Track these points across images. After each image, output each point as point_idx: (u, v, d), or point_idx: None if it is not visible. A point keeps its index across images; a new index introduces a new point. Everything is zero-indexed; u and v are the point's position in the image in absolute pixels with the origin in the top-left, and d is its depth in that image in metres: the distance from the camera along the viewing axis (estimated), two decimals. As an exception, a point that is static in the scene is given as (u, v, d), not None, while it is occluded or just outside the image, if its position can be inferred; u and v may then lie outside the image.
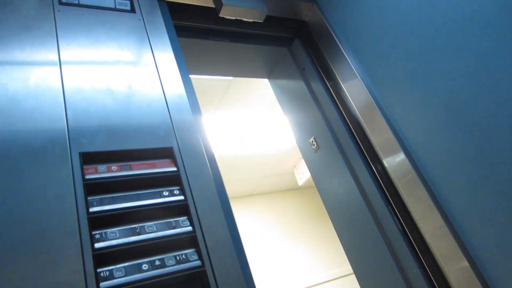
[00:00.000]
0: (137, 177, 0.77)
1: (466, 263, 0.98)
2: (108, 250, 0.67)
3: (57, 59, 0.85)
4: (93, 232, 0.68)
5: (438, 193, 1.06)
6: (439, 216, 1.04)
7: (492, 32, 0.93)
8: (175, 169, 0.82)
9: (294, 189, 5.64)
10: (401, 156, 1.15)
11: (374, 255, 1.25)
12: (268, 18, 1.48)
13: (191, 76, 1.09)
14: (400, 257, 1.16)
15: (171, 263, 0.71)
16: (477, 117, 0.96)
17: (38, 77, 0.80)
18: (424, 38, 1.09)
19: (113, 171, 0.76)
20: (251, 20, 1.43)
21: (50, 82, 0.81)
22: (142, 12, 1.07)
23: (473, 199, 0.98)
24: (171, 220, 0.76)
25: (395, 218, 1.18)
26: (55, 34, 0.89)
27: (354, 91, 1.33)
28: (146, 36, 1.03)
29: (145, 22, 1.06)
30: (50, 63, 0.84)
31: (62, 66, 0.85)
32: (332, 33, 1.41)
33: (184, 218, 0.77)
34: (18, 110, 0.73)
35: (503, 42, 0.91)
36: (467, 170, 0.99)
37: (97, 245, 0.66)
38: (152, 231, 0.73)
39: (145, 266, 0.68)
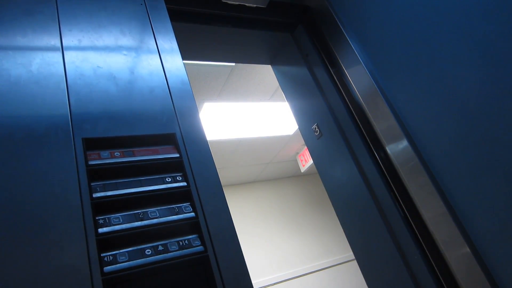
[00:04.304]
0: (140, 163, 0.78)
1: (467, 249, 0.99)
2: (111, 235, 0.67)
3: (59, 44, 0.85)
4: (97, 217, 0.68)
5: (441, 180, 1.06)
6: (441, 203, 1.04)
7: (497, 17, 0.91)
8: (177, 155, 0.82)
9: (297, 176, 5.66)
10: (404, 143, 1.15)
11: (376, 241, 1.26)
12: (271, 3, 1.46)
13: (194, 62, 1.09)
14: (401, 243, 1.17)
15: (174, 248, 0.72)
16: (481, 104, 0.95)
17: (41, 62, 0.80)
18: (428, 24, 1.07)
19: (116, 157, 0.76)
20: (254, 5, 1.41)
21: (53, 68, 0.81)
22: (144, -3, 1.06)
23: (475, 186, 0.98)
24: (174, 206, 0.77)
25: (397, 204, 1.19)
26: (57, 19, 0.89)
27: (358, 77, 1.32)
28: (148, 21, 1.02)
29: (147, 7, 1.05)
30: (52, 48, 0.84)
31: (65, 52, 0.84)
32: (336, 18, 1.39)
33: (187, 204, 0.78)
34: (20, 96, 0.73)
35: (508, 28, 0.89)
36: (469, 157, 0.98)
37: (100, 230, 0.67)
38: (155, 216, 0.74)
39: (148, 251, 0.69)
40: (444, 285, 1.06)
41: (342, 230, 1.43)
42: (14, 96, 0.73)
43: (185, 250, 0.72)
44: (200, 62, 2.48)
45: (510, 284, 0.92)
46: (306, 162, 4.68)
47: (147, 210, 0.74)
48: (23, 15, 0.85)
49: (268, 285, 4.40)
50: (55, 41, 0.85)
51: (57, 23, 0.88)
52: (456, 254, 1.03)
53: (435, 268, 1.08)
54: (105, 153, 0.75)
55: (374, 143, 1.28)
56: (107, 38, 0.92)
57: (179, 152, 0.83)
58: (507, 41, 0.89)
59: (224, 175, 4.67)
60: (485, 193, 0.96)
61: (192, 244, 0.73)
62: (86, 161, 0.72)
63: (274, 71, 1.80)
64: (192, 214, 0.76)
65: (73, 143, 0.73)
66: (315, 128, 1.51)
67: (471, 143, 0.98)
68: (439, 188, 1.06)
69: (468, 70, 0.98)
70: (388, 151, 1.23)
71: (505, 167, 0.91)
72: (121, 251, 0.68)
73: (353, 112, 1.35)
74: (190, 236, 0.75)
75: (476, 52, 0.96)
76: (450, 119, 1.03)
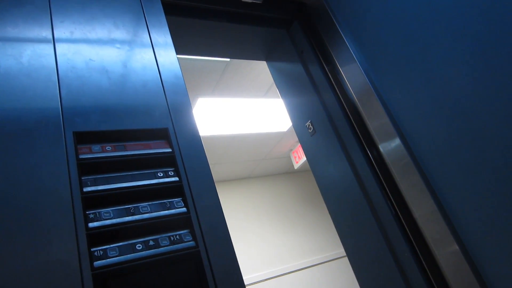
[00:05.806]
0: (131, 157, 0.77)
1: (456, 247, 0.99)
2: (102, 229, 0.67)
3: (50, 36, 0.84)
4: (87, 212, 0.68)
5: (432, 179, 1.07)
6: (432, 201, 1.05)
7: (490, 17, 0.92)
8: (170, 150, 0.82)
9: (290, 173, 5.67)
10: (396, 142, 1.15)
11: (367, 238, 1.26)
12: (266, -1, 1.46)
13: (188, 56, 1.08)
14: (392, 241, 1.18)
15: (165, 243, 0.71)
16: (473, 103, 0.96)
17: (31, 54, 0.79)
18: (423, 23, 1.08)
19: (108, 151, 0.75)
20: (249, 1, 1.41)
21: (44, 60, 0.80)
22: (138, -10, 1.05)
23: (465, 185, 0.99)
24: (165, 201, 0.76)
25: (388, 202, 1.19)
26: (48, 10, 0.87)
27: (352, 75, 1.32)
28: (143, 14, 1.01)
29: (142, 0, 1.03)
30: (43, 40, 0.82)
31: (56, 44, 0.83)
32: (332, 15, 1.39)
33: (179, 199, 0.78)
34: (10, 88, 0.72)
35: (503, 28, 0.90)
36: (460, 156, 0.99)
37: (91, 224, 0.67)
38: (146, 211, 0.73)
39: (139, 246, 0.69)
40: (433, 281, 1.07)
41: (334, 227, 1.44)
42: (3, 88, 0.72)
43: (176, 245, 0.72)
44: (195, 57, 2.46)
45: (497, 281, 0.93)
46: (299, 159, 4.69)
47: (138, 204, 0.74)
48: (14, 5, 0.84)
49: (260, 281, 4.42)
50: (46, 33, 0.84)
51: (49, 14, 0.87)
52: (445, 251, 1.04)
53: (425, 265, 1.09)
54: (96, 147, 0.75)
55: (367, 141, 1.29)
56: (100, 30, 0.91)
57: (171, 147, 0.82)
58: (500, 41, 0.90)
59: (217, 171, 4.67)
60: (475, 192, 0.97)
61: (183, 239, 0.73)
62: (77, 155, 0.71)
63: (269, 67, 1.79)
64: (184, 209, 0.76)
65: (63, 136, 0.72)
66: (308, 125, 1.51)
67: (462, 142, 0.99)
68: (430, 187, 1.07)
69: (461, 70, 0.98)
70: (381, 149, 1.23)
71: (495, 166, 0.92)
72: (111, 245, 0.67)
73: (347, 109, 1.35)
74: (182, 231, 0.75)
75: (469, 51, 0.96)
76: (442, 118, 1.03)
